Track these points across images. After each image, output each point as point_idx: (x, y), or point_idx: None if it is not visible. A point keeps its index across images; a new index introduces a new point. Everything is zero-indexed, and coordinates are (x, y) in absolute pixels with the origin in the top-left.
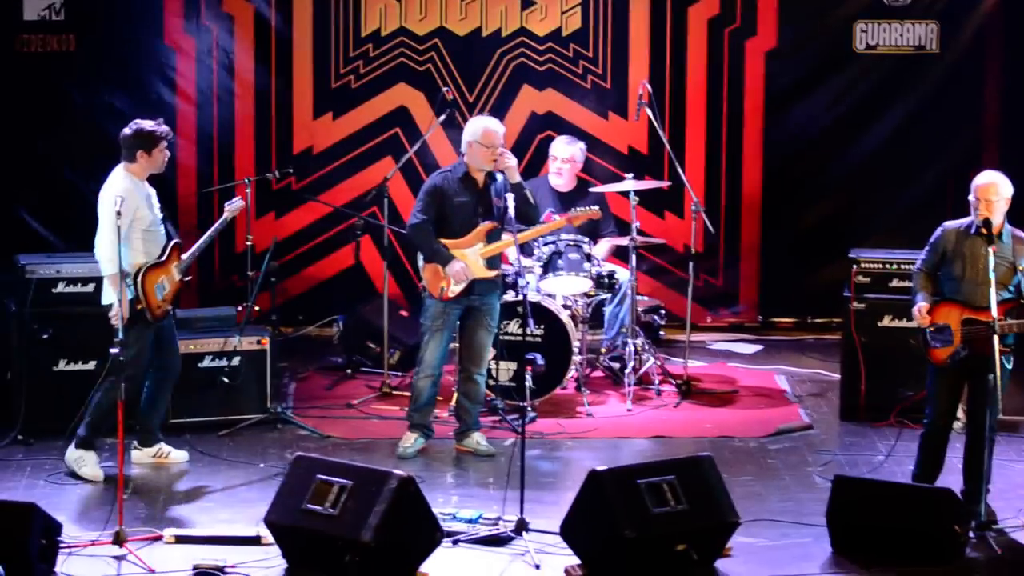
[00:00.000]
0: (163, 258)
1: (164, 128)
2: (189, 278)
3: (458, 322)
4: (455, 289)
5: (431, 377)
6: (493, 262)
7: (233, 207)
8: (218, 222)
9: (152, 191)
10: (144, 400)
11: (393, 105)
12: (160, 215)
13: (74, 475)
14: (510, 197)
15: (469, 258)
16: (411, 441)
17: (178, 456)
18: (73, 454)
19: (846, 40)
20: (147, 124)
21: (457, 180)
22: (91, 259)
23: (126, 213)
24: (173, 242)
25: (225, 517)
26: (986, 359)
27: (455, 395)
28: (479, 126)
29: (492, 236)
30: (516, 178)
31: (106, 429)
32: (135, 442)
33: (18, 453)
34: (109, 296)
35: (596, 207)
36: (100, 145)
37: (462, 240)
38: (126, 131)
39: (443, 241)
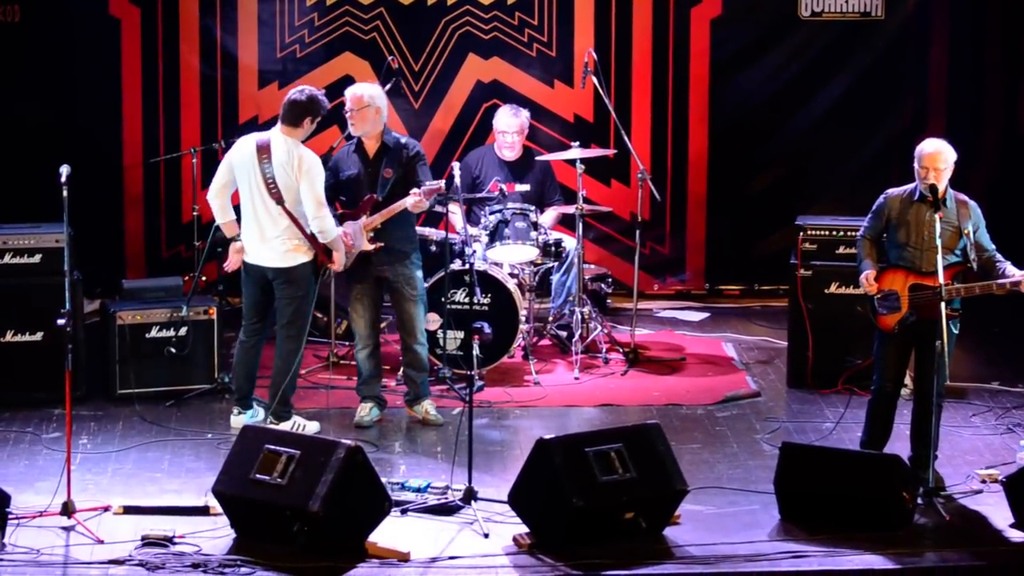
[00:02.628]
0: None
1: (327, 102)
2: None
3: (378, 288)
4: (347, 262)
5: (367, 348)
6: (380, 235)
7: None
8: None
9: None
10: (250, 365)
11: (339, 74)
12: None
13: None
14: (456, 166)
15: (354, 230)
16: (367, 410)
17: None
18: (284, 427)
19: (791, 6)
20: (317, 91)
21: (352, 153)
22: (39, 230)
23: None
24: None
25: (173, 487)
26: (934, 324)
27: (402, 364)
28: None
29: (375, 208)
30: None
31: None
32: (238, 408)
33: None
34: (295, 257)
35: (441, 182)
36: (47, 116)
37: (352, 212)
38: (299, 96)
39: (344, 212)
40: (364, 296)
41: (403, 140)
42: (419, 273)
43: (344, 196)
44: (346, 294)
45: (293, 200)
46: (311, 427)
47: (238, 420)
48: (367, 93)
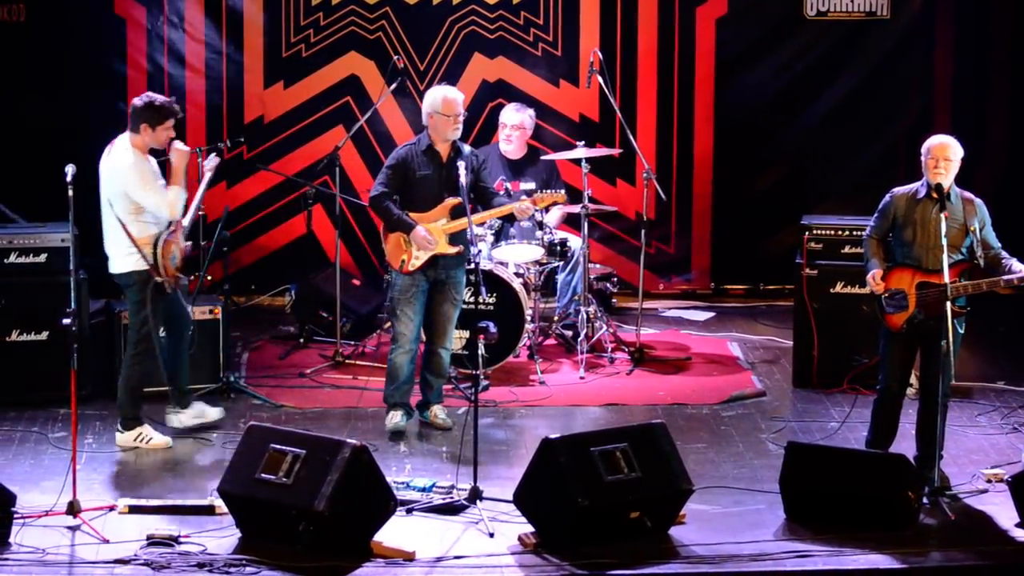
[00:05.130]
0: (171, 228)
1: (174, 106)
2: (190, 243)
3: (427, 297)
4: (415, 262)
5: (409, 352)
6: (457, 238)
7: (211, 164)
8: (203, 182)
9: (154, 162)
10: (169, 367)
11: (344, 74)
12: (163, 183)
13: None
14: (462, 165)
15: (431, 232)
16: (399, 417)
17: (213, 413)
18: (128, 436)
19: (797, 6)
20: (159, 98)
21: (421, 153)
22: (44, 230)
23: (147, 176)
24: None
25: (178, 487)
26: (940, 322)
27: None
28: (438, 96)
29: (456, 212)
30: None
31: (141, 401)
32: (175, 406)
33: None
34: (124, 264)
35: (562, 191)
36: (51, 116)
37: (425, 215)
38: (136, 101)
39: (408, 213)
40: (415, 300)
41: (468, 146)
42: (464, 279)
43: (412, 196)
44: (350, 297)
45: (118, 206)
46: (211, 412)
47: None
48: (460, 94)
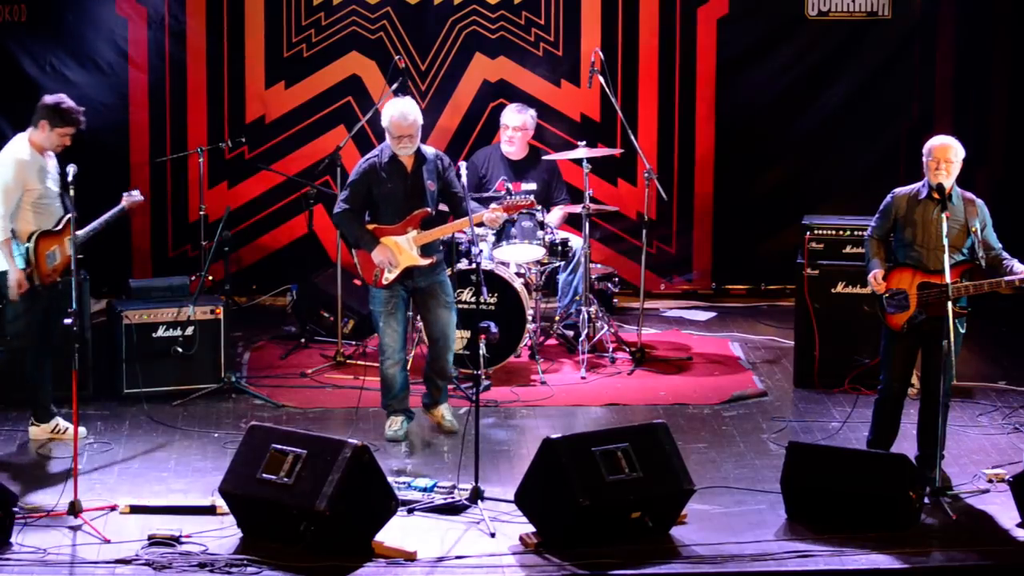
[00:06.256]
0: (57, 228)
1: (79, 117)
2: (81, 256)
3: (409, 302)
4: (389, 276)
5: (398, 363)
6: (430, 248)
7: (132, 199)
8: (115, 209)
9: (52, 163)
10: (37, 376)
11: (345, 74)
12: (57, 189)
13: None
14: (463, 165)
15: (401, 245)
16: (398, 424)
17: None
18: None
19: (798, 6)
20: (68, 102)
21: (385, 164)
22: None
23: (17, 183)
24: (68, 216)
25: (180, 487)
26: (941, 323)
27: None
28: (388, 113)
29: (427, 223)
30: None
31: None
32: (32, 418)
33: None
34: (3, 262)
35: (531, 197)
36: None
37: (395, 227)
38: (48, 98)
39: (377, 227)
40: (398, 311)
41: (432, 150)
42: (448, 279)
43: (379, 209)
44: (351, 297)
45: None
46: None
47: (34, 430)
48: (413, 113)
